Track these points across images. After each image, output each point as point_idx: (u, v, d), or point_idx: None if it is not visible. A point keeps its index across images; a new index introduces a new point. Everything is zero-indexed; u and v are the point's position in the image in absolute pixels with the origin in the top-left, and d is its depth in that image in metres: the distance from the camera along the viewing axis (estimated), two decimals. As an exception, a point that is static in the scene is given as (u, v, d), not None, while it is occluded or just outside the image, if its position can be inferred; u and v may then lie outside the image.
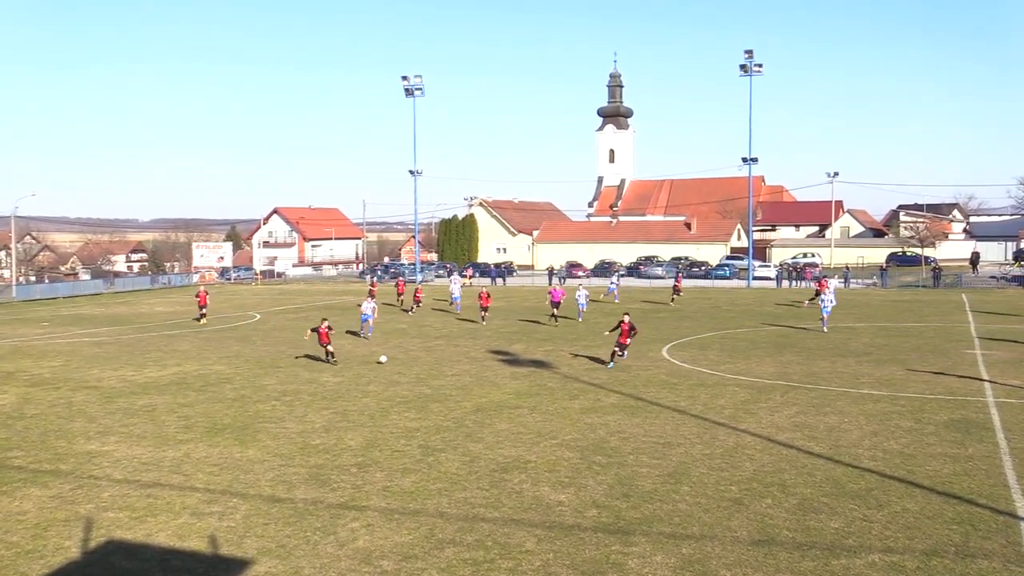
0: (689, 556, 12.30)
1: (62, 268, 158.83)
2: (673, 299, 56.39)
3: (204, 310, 48.11)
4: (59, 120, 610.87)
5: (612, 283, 60.99)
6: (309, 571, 12.04)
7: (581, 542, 12.94)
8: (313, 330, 31.28)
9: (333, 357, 30.67)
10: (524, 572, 11.84)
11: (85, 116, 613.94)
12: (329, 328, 30.89)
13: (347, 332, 38.56)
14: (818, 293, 44.54)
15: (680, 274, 67.94)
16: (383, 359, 30.37)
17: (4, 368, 31.65)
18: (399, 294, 57.60)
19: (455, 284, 56.83)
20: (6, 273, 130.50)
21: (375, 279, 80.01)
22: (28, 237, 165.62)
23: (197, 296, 49.35)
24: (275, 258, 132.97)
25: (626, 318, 29.68)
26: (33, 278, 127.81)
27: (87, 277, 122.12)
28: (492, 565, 12.10)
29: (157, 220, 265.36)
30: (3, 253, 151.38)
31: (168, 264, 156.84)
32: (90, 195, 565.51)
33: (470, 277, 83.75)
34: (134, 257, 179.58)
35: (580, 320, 45.00)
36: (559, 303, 44.32)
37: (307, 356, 32.36)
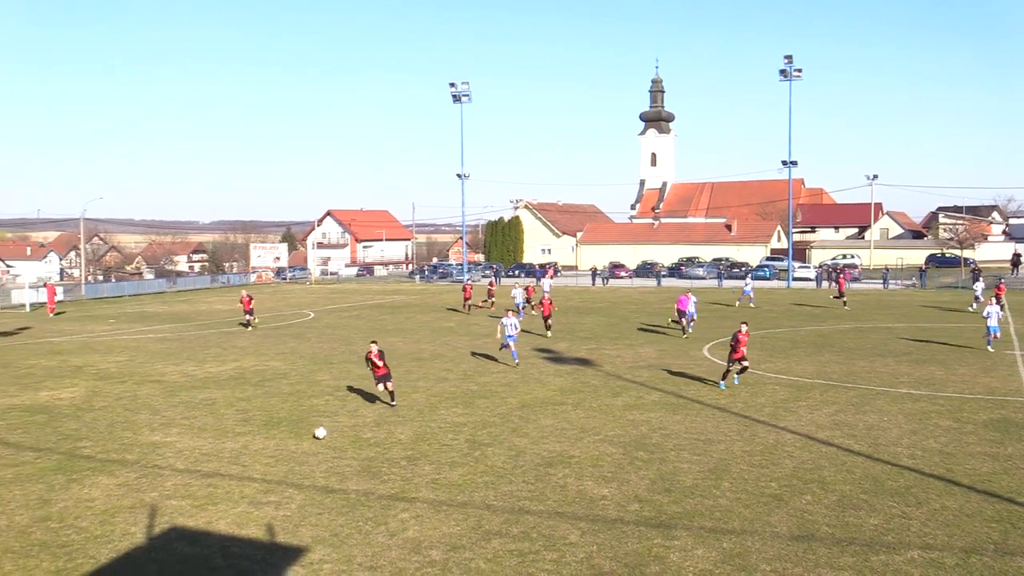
0: (730, 550, 12.21)
1: (127, 268, 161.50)
2: (844, 302, 51.01)
3: (249, 315, 43.64)
4: (125, 125, 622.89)
5: (747, 286, 54.02)
6: (361, 559, 12.12)
7: (624, 535, 12.89)
8: (368, 361, 22.76)
9: (393, 399, 22.74)
10: (568, 564, 11.83)
11: (149, 121, 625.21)
12: (381, 354, 22.51)
13: (474, 354, 32.23)
14: (997, 299, 36.79)
15: (842, 275, 56.64)
16: (320, 433, 19.08)
17: (74, 363, 32.21)
18: (528, 298, 48.96)
19: (520, 291, 48.17)
20: (76, 272, 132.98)
21: (494, 279, 69.68)
22: (96, 238, 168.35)
23: (241, 301, 44.92)
24: (328, 258, 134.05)
25: (744, 328, 24.64)
26: (101, 277, 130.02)
27: (151, 276, 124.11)
28: (537, 556, 12.09)
29: (217, 222, 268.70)
30: (73, 253, 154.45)
31: (227, 264, 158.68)
32: (154, 198, 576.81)
33: (552, 276, 75.45)
34: (195, 257, 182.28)
35: (690, 331, 37.78)
36: (686, 312, 37.76)
37: (376, 401, 23.45)
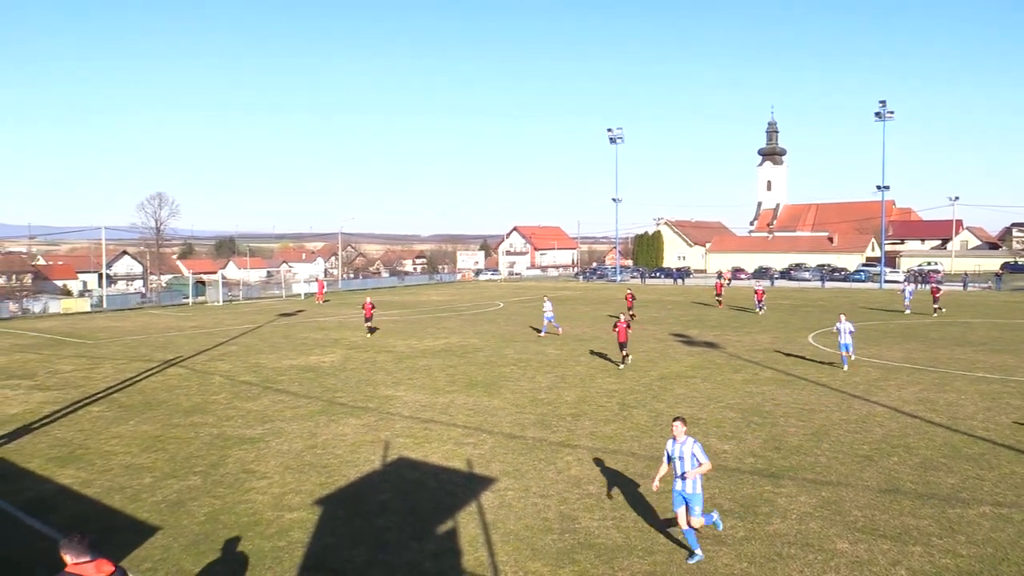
0: (827, 498, 11.60)
1: (370, 268, 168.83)
2: (937, 310, 41.45)
3: (369, 323, 34.54)
4: (367, 164, 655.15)
5: (906, 290, 44.48)
6: (536, 489, 12.24)
7: (740, 482, 12.48)
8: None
9: None
10: (695, 501, 11.54)
11: (384, 162, 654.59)
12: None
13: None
14: None
15: (935, 286, 45.98)
16: None
17: (333, 336, 33.86)
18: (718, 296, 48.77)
19: (548, 305, 33.73)
20: (335, 271, 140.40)
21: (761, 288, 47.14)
22: (349, 247, 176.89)
23: (363, 307, 36.08)
24: (514, 263, 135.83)
25: None
26: (352, 275, 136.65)
27: (386, 275, 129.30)
28: (670, 496, 11.84)
29: (433, 235, 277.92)
30: (333, 258, 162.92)
31: (440, 266, 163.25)
32: (388, 217, 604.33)
33: (728, 279, 65.47)
34: (417, 261, 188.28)
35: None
36: None
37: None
